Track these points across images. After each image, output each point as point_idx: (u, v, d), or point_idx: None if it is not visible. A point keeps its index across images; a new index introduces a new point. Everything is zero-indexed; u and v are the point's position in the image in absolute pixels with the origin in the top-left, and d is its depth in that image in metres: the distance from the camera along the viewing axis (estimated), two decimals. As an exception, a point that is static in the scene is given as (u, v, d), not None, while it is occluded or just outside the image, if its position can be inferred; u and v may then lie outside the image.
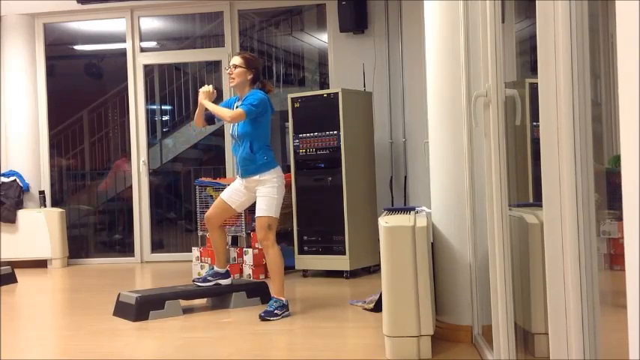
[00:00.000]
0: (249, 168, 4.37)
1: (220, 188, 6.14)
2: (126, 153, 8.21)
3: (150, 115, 8.24)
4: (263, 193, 4.33)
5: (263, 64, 8.95)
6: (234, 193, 4.52)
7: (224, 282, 4.67)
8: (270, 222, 4.30)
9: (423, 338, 3.14)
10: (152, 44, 8.63)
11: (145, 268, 7.44)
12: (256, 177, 4.35)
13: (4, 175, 7.55)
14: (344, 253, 5.82)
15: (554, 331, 1.88)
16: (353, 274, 5.86)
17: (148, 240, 7.83)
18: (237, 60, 4.41)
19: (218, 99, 4.78)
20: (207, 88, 4.41)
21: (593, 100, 1.86)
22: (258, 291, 4.73)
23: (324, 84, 8.37)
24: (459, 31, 3.35)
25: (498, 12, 2.56)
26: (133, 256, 7.83)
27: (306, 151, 6.05)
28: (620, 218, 1.28)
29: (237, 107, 4.38)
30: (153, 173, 8.30)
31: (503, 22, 2.64)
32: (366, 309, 4.41)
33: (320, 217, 5.95)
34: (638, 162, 1.19)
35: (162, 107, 9.45)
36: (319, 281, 5.87)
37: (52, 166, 8.16)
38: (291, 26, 9.02)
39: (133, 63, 7.86)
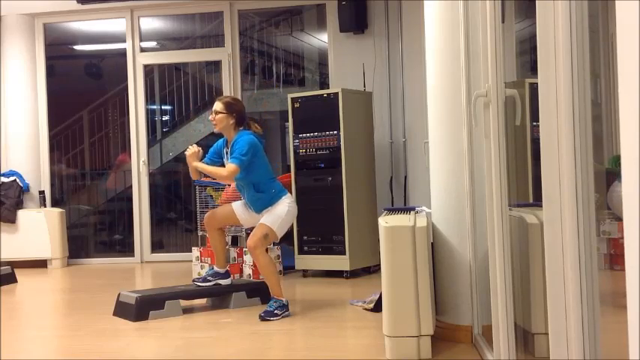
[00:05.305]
0: (259, 206, 4.43)
1: (220, 188, 6.14)
2: (128, 148, 8.19)
3: (150, 115, 8.23)
4: (273, 210, 4.37)
5: (263, 65, 8.96)
6: (245, 210, 4.53)
7: (224, 282, 4.68)
8: (268, 232, 4.32)
9: (423, 338, 3.14)
10: (152, 44, 8.63)
11: (145, 268, 7.43)
12: (269, 208, 4.39)
13: (4, 175, 7.55)
14: (344, 253, 5.81)
15: (554, 331, 1.88)
16: (353, 274, 5.86)
17: (148, 240, 7.83)
18: (218, 106, 4.42)
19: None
20: (193, 149, 4.42)
21: (593, 100, 1.85)
22: (258, 291, 4.73)
23: (324, 84, 8.37)
24: (459, 31, 3.35)
25: (498, 12, 2.56)
26: (133, 256, 7.83)
27: (306, 151, 6.05)
28: (620, 218, 1.28)
29: (226, 153, 4.42)
30: (153, 173, 8.29)
31: (503, 22, 2.64)
32: (366, 309, 4.41)
33: (320, 217, 5.95)
34: (638, 162, 1.19)
35: (163, 107, 9.45)
36: (319, 281, 5.87)
37: (52, 171, 8.14)
38: (291, 26, 9.02)
39: (132, 63, 7.86)
